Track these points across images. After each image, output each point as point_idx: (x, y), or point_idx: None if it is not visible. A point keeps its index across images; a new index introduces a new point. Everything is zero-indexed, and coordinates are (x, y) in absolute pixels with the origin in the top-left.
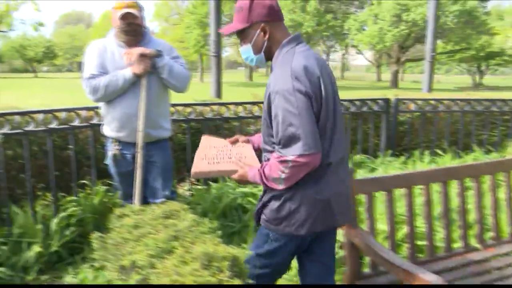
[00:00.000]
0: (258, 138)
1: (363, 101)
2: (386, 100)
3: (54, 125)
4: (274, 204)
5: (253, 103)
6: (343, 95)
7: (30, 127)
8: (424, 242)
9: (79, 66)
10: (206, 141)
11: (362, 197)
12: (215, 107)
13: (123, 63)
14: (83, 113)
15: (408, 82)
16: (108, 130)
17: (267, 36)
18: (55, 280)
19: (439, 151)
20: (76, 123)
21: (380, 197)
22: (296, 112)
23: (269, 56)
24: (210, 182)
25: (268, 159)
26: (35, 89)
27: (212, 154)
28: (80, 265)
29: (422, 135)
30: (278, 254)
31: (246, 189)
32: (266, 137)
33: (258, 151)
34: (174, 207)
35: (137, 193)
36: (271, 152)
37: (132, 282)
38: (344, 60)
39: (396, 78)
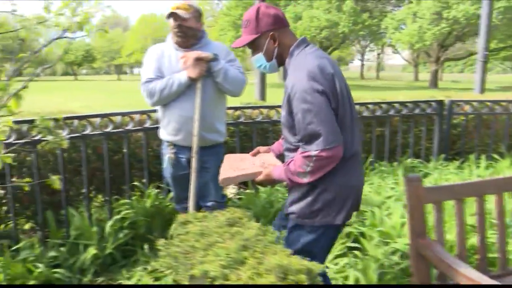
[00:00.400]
0: (278, 146)
1: (415, 103)
2: (440, 102)
3: (109, 128)
4: (308, 199)
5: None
6: (380, 96)
7: (88, 131)
8: (495, 255)
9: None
10: (229, 158)
11: (430, 206)
12: (264, 110)
13: (179, 66)
14: (137, 117)
15: (447, 82)
16: (165, 133)
17: (277, 43)
18: (110, 282)
19: (496, 156)
20: (130, 126)
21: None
22: (315, 110)
23: (281, 61)
24: (259, 187)
25: (292, 158)
26: (75, 92)
27: (237, 165)
28: (133, 268)
29: (477, 138)
30: (316, 245)
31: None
32: (290, 137)
33: (280, 158)
34: (236, 214)
35: (192, 198)
36: (295, 150)
37: None
38: (380, 59)
39: (435, 78)
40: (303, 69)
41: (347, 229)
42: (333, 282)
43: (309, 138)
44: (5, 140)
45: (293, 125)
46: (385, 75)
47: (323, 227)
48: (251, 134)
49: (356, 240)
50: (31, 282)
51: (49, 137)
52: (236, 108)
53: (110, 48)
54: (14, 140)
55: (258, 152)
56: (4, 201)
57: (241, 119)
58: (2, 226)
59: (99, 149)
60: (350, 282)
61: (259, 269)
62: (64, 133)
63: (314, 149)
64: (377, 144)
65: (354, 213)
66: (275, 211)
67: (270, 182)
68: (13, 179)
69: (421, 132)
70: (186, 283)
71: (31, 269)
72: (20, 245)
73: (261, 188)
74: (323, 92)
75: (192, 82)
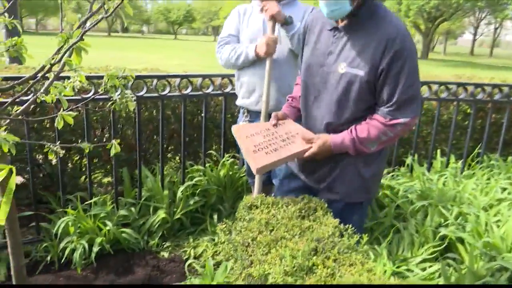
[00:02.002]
0: (291, 111)
1: None
2: None
3: (188, 90)
4: (366, 173)
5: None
6: (494, 76)
7: (166, 91)
8: None
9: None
10: (241, 132)
11: None
12: None
13: (256, 27)
14: (218, 80)
15: None
16: (239, 98)
17: None
18: (176, 248)
19: None
20: (210, 90)
21: None
22: (417, 72)
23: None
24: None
25: (355, 126)
26: (174, 51)
27: (262, 143)
28: (200, 237)
29: None
30: (364, 221)
31: (384, 180)
32: (359, 104)
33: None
34: (310, 204)
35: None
36: (355, 121)
37: None
38: (497, 35)
39: None
40: (402, 26)
41: (441, 231)
42: None
43: (404, 103)
44: (72, 96)
45: (371, 88)
46: (500, 53)
47: (368, 201)
48: None
49: (450, 246)
50: (99, 239)
51: (116, 97)
52: None
53: (209, 9)
54: (93, 95)
55: (275, 116)
56: (84, 154)
57: None
58: (83, 178)
59: (178, 109)
60: None
61: (330, 283)
62: (142, 92)
63: (407, 116)
64: (489, 133)
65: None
66: None
67: (327, 154)
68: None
69: None
70: (241, 280)
71: (101, 226)
72: (93, 200)
73: None
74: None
75: (257, 59)
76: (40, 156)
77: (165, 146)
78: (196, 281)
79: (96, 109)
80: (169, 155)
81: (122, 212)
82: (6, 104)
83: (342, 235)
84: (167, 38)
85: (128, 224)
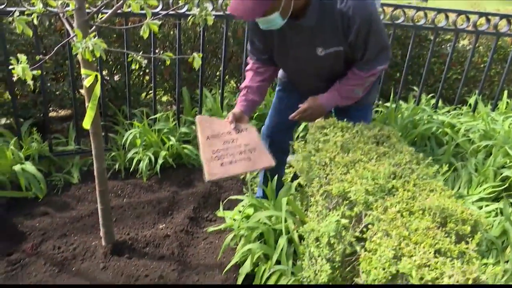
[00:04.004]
0: (249, 105)
1: None
2: None
3: None
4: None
5: (479, 14)
6: None
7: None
8: None
9: None
10: (203, 126)
11: None
12: (430, 13)
13: None
14: None
15: None
16: None
17: None
18: None
19: None
20: None
21: None
22: (380, 26)
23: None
24: (401, 102)
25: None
26: None
27: (219, 150)
28: None
29: None
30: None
31: (445, 118)
32: (337, 68)
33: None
34: (384, 132)
35: None
36: (336, 79)
37: (349, 213)
38: None
39: None
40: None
41: (503, 171)
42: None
43: (376, 56)
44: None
45: (350, 54)
46: None
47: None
48: (405, 40)
49: (510, 188)
50: (163, 153)
51: (195, 11)
52: (397, 7)
53: None
54: (161, 10)
55: (233, 116)
56: (147, 71)
57: (400, 20)
58: (144, 95)
59: (238, 32)
60: (495, 232)
61: (410, 205)
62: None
63: (381, 64)
64: None
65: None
66: (416, 134)
67: (318, 110)
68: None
69: None
70: (318, 197)
71: (165, 140)
72: (157, 115)
73: (403, 105)
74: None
75: None
76: (105, 72)
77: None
78: (254, 200)
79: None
80: (226, 78)
81: (183, 129)
82: (92, 12)
83: (418, 164)
84: None
85: (188, 141)
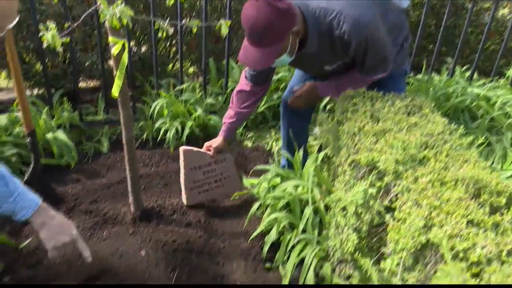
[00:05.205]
0: (229, 134)
1: None
2: None
3: None
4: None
5: None
6: None
7: None
8: None
9: None
10: (188, 157)
11: None
12: None
13: None
14: None
15: None
16: None
17: (300, 34)
18: (258, 139)
19: None
20: None
21: None
22: (380, 39)
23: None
24: (434, 74)
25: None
26: None
27: (199, 180)
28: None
29: None
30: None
31: (480, 91)
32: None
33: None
34: (416, 102)
35: None
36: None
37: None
38: None
39: None
40: (349, 19)
41: None
42: None
43: (375, 67)
44: None
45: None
46: None
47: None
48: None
49: None
50: (189, 123)
51: None
52: None
53: None
54: None
55: (215, 150)
56: (174, 42)
57: None
58: (170, 66)
59: None
60: None
61: (442, 176)
62: None
63: (380, 73)
64: None
65: None
66: (449, 106)
67: (312, 96)
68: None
69: None
70: (346, 167)
71: (191, 111)
72: (184, 86)
73: (436, 78)
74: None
75: None
76: (132, 42)
77: None
78: (280, 170)
79: None
80: None
81: (210, 100)
82: None
83: (452, 134)
84: None
85: (214, 112)
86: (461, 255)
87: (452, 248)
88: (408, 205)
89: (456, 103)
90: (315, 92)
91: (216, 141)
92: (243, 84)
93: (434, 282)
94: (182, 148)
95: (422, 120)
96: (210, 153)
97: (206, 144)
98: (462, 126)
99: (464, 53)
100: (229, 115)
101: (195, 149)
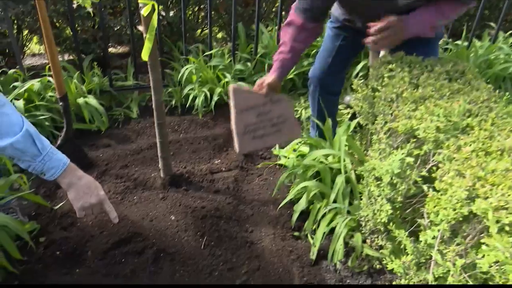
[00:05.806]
0: (282, 73)
1: None
2: None
3: None
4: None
5: None
6: None
7: None
8: None
9: None
10: (238, 96)
11: None
12: None
13: None
14: None
15: None
16: None
17: None
18: None
19: None
20: None
21: None
22: None
23: None
24: (475, 40)
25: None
26: None
27: (253, 124)
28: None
29: None
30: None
31: None
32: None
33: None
34: (459, 67)
35: None
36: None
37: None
38: None
39: None
40: None
41: None
42: None
43: None
44: None
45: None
46: None
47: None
48: None
49: None
50: (218, 89)
51: None
52: None
53: None
54: None
55: (268, 87)
56: (202, 6)
57: None
58: (199, 31)
59: None
60: None
61: (487, 145)
62: None
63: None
64: None
65: None
66: (492, 73)
67: (398, 32)
68: None
69: None
70: (382, 135)
71: (220, 77)
72: (212, 52)
73: (477, 43)
74: None
75: None
76: (161, 7)
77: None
78: (309, 139)
79: None
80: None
81: (239, 66)
82: None
83: (497, 102)
84: None
85: (243, 78)
86: (507, 228)
87: (498, 221)
88: (450, 175)
89: (499, 70)
90: (401, 27)
91: (269, 78)
92: (293, 17)
93: (479, 255)
94: (231, 86)
95: (465, 87)
96: (263, 91)
97: (258, 81)
98: (507, 93)
99: (508, 17)
100: (282, 51)
101: (246, 87)
